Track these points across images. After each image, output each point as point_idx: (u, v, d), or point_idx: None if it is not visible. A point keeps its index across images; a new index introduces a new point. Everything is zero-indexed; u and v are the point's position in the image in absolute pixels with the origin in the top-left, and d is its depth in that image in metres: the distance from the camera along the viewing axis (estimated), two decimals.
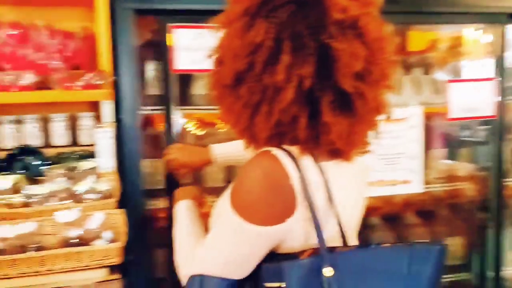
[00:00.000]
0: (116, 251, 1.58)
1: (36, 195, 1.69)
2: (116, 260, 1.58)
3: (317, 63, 0.83)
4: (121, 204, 1.73)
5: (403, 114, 1.98)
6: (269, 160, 0.89)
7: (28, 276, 1.52)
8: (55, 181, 1.75)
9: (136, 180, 1.68)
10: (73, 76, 1.84)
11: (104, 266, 1.58)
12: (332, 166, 0.94)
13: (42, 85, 1.83)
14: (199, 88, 1.92)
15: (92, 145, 2.07)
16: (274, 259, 0.91)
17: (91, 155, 1.99)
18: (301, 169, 0.89)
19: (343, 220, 0.95)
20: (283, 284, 0.86)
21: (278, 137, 0.91)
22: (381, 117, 0.94)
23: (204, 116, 2.21)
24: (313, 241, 0.90)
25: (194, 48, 1.79)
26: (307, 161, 0.91)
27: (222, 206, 1.00)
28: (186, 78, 1.95)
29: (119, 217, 1.68)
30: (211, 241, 0.97)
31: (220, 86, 0.94)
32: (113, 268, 1.60)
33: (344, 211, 0.96)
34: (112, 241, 1.61)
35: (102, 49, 1.88)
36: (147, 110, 1.79)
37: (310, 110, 0.86)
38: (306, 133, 0.88)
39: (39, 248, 1.56)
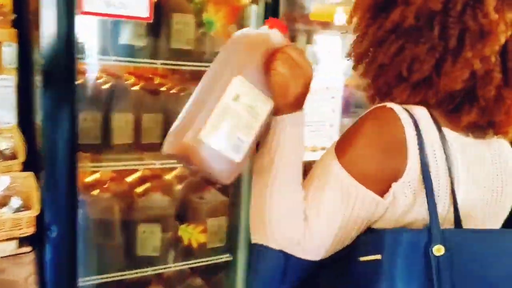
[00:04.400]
0: (28, 220, 1.35)
1: None
2: (28, 231, 1.36)
3: None
4: (35, 166, 1.48)
5: (326, 84, 2.01)
6: (384, 111, 0.79)
7: None
8: None
9: (57, 137, 1.44)
10: None
11: (14, 238, 1.35)
12: (463, 141, 0.82)
13: None
14: (127, 37, 1.70)
15: None
16: (368, 231, 0.80)
17: None
18: (420, 127, 0.78)
19: (462, 208, 0.79)
20: (378, 257, 0.74)
21: (453, 97, 0.81)
22: None
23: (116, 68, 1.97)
24: (414, 217, 0.78)
25: None
26: (428, 122, 0.79)
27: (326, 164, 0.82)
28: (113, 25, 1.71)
29: (29, 181, 1.43)
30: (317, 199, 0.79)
31: (388, 27, 0.83)
32: (24, 240, 1.38)
33: (467, 198, 0.80)
34: (23, 209, 1.37)
35: None
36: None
37: (501, 66, 0.80)
38: (494, 95, 0.80)
39: None
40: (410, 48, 0.81)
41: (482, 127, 0.85)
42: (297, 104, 0.85)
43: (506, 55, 0.80)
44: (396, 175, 0.76)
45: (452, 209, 0.78)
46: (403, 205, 0.77)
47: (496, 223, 0.88)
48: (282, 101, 0.84)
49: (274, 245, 0.79)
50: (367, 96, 0.90)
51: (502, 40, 0.77)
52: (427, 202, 0.75)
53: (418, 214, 0.77)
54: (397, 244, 0.73)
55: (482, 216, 0.84)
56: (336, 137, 2.07)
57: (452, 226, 0.78)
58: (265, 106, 0.85)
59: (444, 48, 0.78)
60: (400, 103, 0.81)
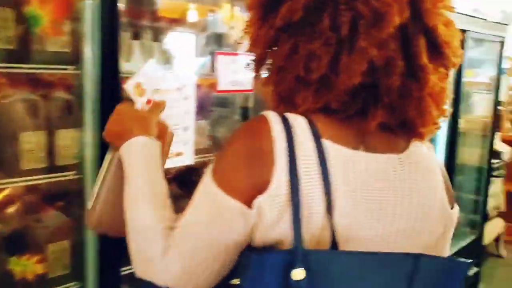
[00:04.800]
0: None
1: None
2: None
3: None
4: None
5: (178, 84, 1.88)
6: (258, 121, 0.76)
7: None
8: None
9: None
10: None
11: None
12: (349, 154, 0.75)
13: None
14: None
15: None
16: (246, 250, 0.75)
17: None
18: (294, 139, 0.73)
19: (345, 228, 0.73)
20: (237, 281, 0.71)
21: (356, 96, 0.75)
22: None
23: None
24: (282, 236, 0.72)
25: None
26: (305, 133, 0.74)
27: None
28: None
29: None
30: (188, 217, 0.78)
31: (280, 24, 0.77)
32: None
33: (350, 218, 0.73)
34: None
35: None
36: None
37: (404, 55, 0.74)
38: (398, 86, 0.73)
39: None
40: (304, 45, 0.74)
41: (394, 132, 0.79)
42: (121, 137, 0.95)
43: (407, 42, 0.74)
44: (262, 188, 0.72)
45: (329, 230, 0.72)
46: (270, 222, 0.72)
47: (415, 243, 0.79)
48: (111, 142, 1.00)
49: (143, 276, 0.76)
50: (272, 105, 0.84)
51: (397, 21, 0.72)
52: (292, 220, 0.70)
53: (287, 233, 0.71)
54: (259, 266, 0.69)
55: (381, 236, 0.76)
56: (192, 141, 1.98)
57: (330, 248, 0.72)
58: (109, 156, 1.00)
59: (339, 41, 0.73)
60: (305, 110, 0.76)
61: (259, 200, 0.72)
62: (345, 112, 0.75)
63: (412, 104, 0.76)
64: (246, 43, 0.86)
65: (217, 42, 2.50)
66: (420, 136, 0.81)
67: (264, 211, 0.71)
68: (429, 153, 0.84)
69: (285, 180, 0.71)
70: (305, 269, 0.66)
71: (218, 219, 0.73)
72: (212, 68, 2.26)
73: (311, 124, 0.75)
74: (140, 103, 1.07)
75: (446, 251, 0.85)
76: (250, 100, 2.42)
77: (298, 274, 0.66)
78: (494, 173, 4.05)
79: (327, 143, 0.74)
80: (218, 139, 2.39)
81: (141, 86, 1.13)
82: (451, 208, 0.84)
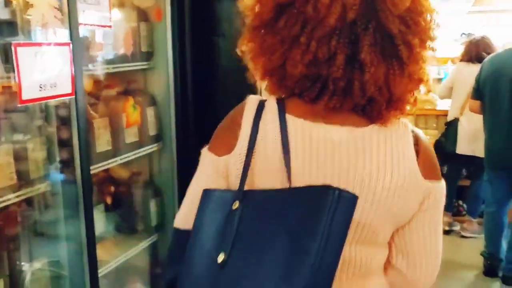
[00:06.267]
0: None
1: None
2: None
3: None
4: None
5: None
6: (241, 103, 0.95)
7: None
8: None
9: None
10: None
11: None
12: (308, 125, 0.91)
13: None
14: None
15: None
16: None
17: None
18: (262, 113, 0.92)
19: (298, 180, 0.89)
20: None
21: (307, 83, 0.89)
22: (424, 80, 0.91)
23: None
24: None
25: None
26: (272, 110, 0.92)
27: None
28: None
29: None
30: None
31: (256, 23, 0.92)
32: None
33: (304, 173, 0.89)
34: None
35: None
36: None
37: (350, 50, 0.86)
38: (340, 75, 0.86)
39: None
40: (269, 40, 0.90)
41: (357, 113, 0.91)
42: None
43: (356, 38, 0.85)
44: (231, 149, 0.93)
45: (286, 181, 0.88)
46: (236, 175, 0.92)
47: (377, 210, 0.90)
48: None
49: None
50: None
51: (332, 23, 0.84)
52: (242, 170, 0.91)
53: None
54: (207, 201, 0.93)
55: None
56: None
57: None
58: None
59: (291, 38, 0.87)
60: (280, 94, 0.94)
61: (227, 156, 0.93)
62: (308, 96, 0.90)
63: (356, 91, 0.87)
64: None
65: (6, 31, 1.81)
66: (383, 121, 0.91)
67: (229, 165, 0.93)
68: (397, 127, 0.93)
69: (245, 143, 0.91)
70: (240, 202, 0.88)
71: (201, 169, 0.97)
72: (6, 67, 1.56)
73: (281, 103, 0.93)
74: None
75: (424, 225, 0.95)
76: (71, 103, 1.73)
77: (235, 204, 0.88)
78: None
79: (289, 117, 0.92)
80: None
81: None
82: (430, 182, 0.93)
